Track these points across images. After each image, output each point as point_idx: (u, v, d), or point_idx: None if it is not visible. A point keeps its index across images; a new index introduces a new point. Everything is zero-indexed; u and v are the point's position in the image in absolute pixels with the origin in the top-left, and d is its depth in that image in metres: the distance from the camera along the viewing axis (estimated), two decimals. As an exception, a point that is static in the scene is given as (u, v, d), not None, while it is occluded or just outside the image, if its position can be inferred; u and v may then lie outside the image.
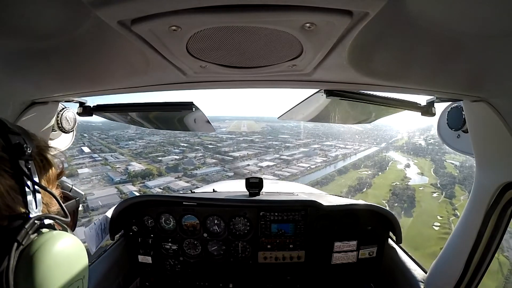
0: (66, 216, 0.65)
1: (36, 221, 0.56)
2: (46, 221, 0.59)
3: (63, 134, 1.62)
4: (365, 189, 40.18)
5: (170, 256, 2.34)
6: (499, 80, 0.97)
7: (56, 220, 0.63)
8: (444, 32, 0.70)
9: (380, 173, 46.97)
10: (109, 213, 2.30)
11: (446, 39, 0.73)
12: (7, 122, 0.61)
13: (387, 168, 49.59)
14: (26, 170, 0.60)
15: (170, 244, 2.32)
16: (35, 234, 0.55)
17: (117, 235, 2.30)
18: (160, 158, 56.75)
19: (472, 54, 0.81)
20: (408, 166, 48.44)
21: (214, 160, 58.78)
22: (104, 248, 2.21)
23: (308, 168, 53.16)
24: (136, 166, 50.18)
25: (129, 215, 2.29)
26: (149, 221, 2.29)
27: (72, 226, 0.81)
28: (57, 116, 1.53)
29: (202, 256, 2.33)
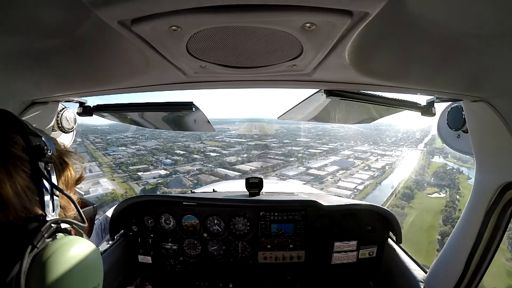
0: (83, 222, 0.64)
1: (52, 225, 0.55)
2: (63, 225, 0.58)
3: (63, 134, 1.62)
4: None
5: (170, 256, 2.34)
6: (499, 80, 0.97)
7: (73, 225, 0.61)
8: (444, 32, 0.70)
9: (459, 197, 33.11)
10: (109, 213, 2.30)
11: (446, 39, 0.73)
12: (28, 124, 0.61)
13: (459, 185, 36.04)
14: (45, 172, 0.58)
15: (170, 244, 2.32)
16: (50, 238, 0.54)
17: (117, 235, 2.30)
18: (140, 173, 43.61)
19: (472, 54, 0.81)
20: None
21: (213, 178, 43.20)
22: (104, 248, 2.21)
23: (355, 190, 37.09)
24: (102, 187, 39.64)
25: (129, 215, 2.29)
26: (149, 221, 2.29)
27: (88, 233, 0.79)
28: (57, 116, 1.53)
29: (202, 256, 2.33)
